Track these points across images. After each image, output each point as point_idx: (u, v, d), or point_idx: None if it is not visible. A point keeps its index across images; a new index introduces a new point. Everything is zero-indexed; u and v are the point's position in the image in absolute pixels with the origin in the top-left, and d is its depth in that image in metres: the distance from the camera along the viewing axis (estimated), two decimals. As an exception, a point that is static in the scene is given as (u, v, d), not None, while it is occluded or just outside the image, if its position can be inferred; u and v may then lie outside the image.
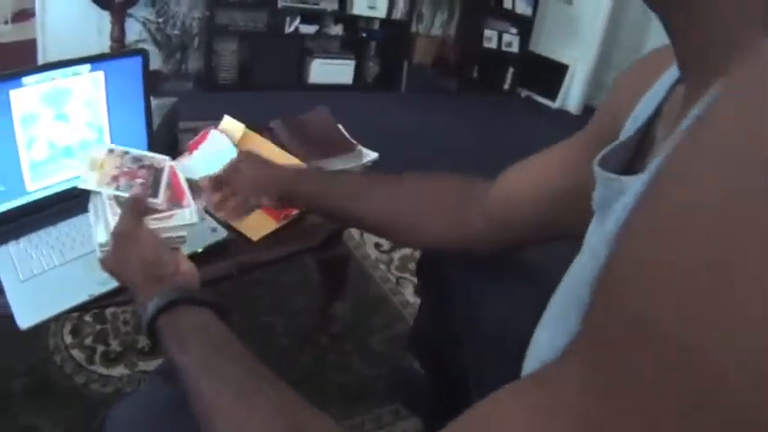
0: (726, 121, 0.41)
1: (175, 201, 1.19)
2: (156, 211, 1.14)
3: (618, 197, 0.70)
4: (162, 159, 1.26)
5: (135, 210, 1.07)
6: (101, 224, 1.13)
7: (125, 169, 1.20)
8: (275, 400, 0.77)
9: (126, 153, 1.25)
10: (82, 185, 1.17)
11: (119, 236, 1.05)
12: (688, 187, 0.42)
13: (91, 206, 1.20)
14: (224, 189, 1.40)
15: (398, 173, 1.32)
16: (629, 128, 0.81)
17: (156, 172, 1.22)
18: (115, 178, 1.17)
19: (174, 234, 1.15)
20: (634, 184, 0.65)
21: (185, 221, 1.16)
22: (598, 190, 0.79)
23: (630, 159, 0.79)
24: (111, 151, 1.25)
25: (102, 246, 1.11)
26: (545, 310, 0.93)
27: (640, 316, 0.42)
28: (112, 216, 1.09)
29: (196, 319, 0.92)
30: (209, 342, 0.88)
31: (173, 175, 1.24)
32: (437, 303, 1.44)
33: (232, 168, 1.40)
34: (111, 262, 1.07)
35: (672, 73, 0.78)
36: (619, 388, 0.43)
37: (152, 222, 1.11)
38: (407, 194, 1.29)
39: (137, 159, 1.24)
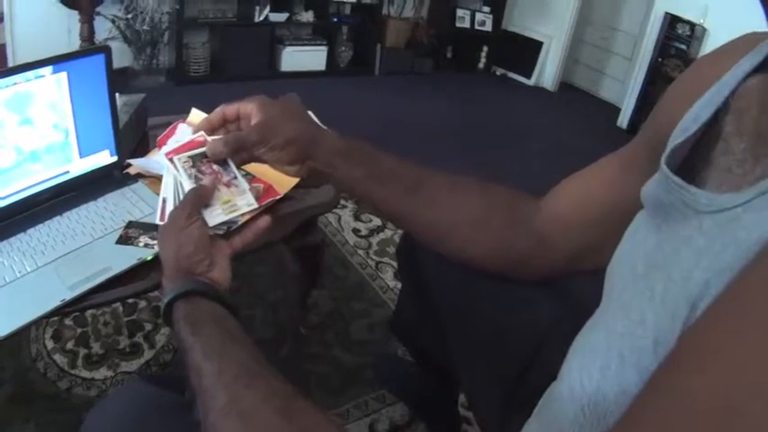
0: None
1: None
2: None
3: (687, 210, 0.69)
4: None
5: (194, 201, 1.05)
6: (171, 200, 1.12)
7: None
8: (274, 385, 0.80)
9: None
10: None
11: (171, 219, 1.06)
12: None
13: (165, 176, 1.16)
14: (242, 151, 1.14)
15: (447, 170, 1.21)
16: (687, 128, 0.77)
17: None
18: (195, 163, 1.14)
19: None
20: (717, 202, 0.65)
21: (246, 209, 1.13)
22: (654, 186, 0.78)
23: (685, 158, 0.77)
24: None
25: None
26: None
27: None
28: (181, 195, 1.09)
29: (212, 310, 0.94)
30: (221, 329, 0.90)
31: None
32: (417, 288, 1.43)
33: (259, 137, 1.10)
34: (160, 236, 1.07)
35: (740, 68, 0.76)
36: None
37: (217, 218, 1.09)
38: (463, 204, 1.18)
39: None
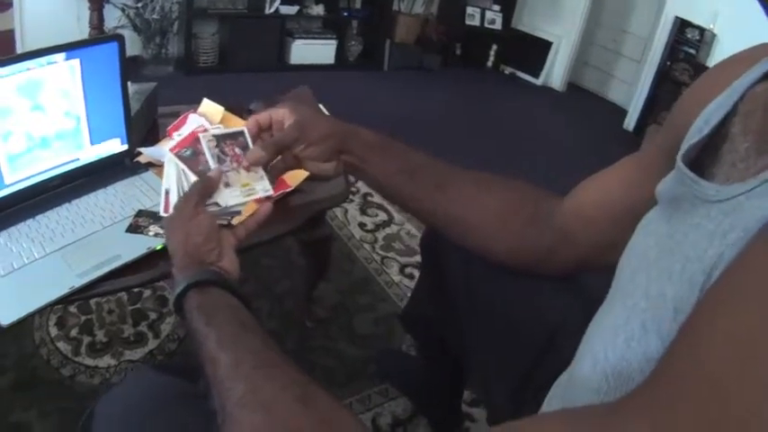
0: None
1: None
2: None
3: (696, 201, 0.74)
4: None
5: (201, 191, 1.06)
6: (174, 191, 1.12)
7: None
8: (292, 374, 0.80)
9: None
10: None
11: (178, 210, 1.06)
12: None
13: (166, 168, 1.17)
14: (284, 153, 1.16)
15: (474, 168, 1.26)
16: (700, 129, 0.82)
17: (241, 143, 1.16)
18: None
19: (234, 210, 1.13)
20: (723, 192, 0.69)
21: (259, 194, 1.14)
22: (669, 182, 0.83)
23: (697, 156, 0.81)
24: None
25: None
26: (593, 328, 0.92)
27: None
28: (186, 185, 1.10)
29: (225, 299, 0.95)
30: (235, 320, 0.91)
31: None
32: (436, 280, 1.44)
33: (295, 134, 1.13)
34: (166, 227, 1.08)
35: (749, 76, 0.80)
36: None
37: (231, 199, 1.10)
38: (490, 200, 1.21)
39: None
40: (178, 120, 1.85)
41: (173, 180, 1.13)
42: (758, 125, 0.74)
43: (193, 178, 1.09)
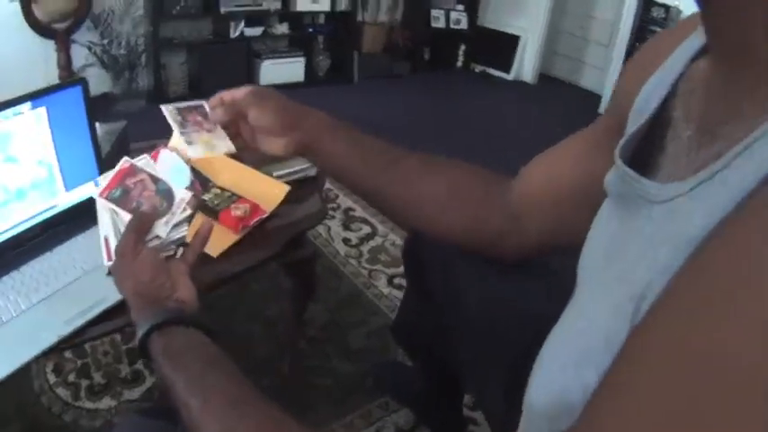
0: None
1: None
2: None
3: (640, 201, 0.68)
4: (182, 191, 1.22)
5: (138, 228, 1.07)
6: (112, 236, 1.14)
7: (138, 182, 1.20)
8: (265, 411, 0.79)
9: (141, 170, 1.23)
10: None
11: (119, 254, 1.06)
12: None
13: (100, 215, 1.18)
14: (233, 124, 1.22)
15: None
16: (642, 109, 0.78)
17: (169, 198, 1.19)
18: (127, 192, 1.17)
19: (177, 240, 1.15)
20: (664, 193, 0.64)
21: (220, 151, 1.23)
22: (613, 176, 0.78)
23: (640, 146, 0.76)
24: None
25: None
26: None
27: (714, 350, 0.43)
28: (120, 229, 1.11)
29: (187, 338, 0.94)
30: (201, 359, 0.90)
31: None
32: (422, 288, 1.44)
33: (250, 99, 1.18)
34: (113, 274, 1.08)
35: (685, 49, 0.75)
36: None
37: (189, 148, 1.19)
38: (438, 180, 1.22)
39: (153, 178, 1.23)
40: (152, 154, 1.85)
41: (108, 225, 1.14)
42: (699, 110, 0.67)
43: (127, 218, 1.10)
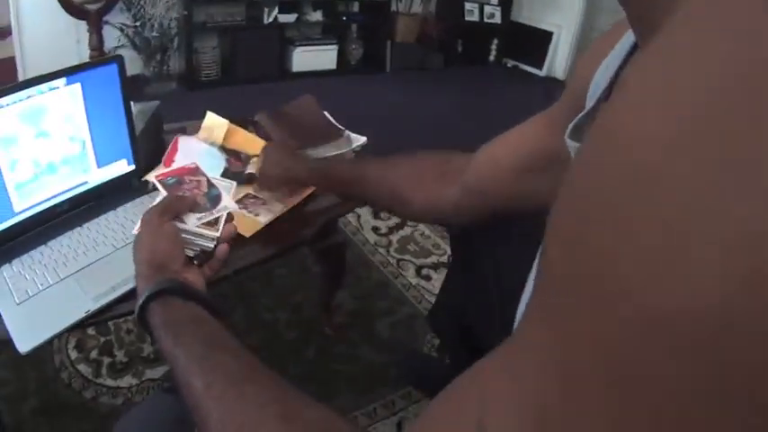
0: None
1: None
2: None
3: None
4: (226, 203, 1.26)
5: (167, 205, 1.09)
6: None
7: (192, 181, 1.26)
8: (269, 389, 0.76)
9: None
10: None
11: (144, 222, 1.07)
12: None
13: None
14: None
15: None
16: (592, 95, 0.82)
17: (215, 203, 1.23)
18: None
19: (202, 242, 1.16)
20: None
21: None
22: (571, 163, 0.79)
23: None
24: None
25: None
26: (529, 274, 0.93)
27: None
28: None
29: (190, 312, 0.92)
30: (203, 334, 0.87)
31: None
32: (468, 273, 1.45)
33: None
34: (133, 246, 1.07)
35: (629, 36, 0.77)
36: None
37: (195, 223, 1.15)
38: (399, 171, 1.37)
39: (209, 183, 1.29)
40: (170, 146, 1.84)
41: None
42: None
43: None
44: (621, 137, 0.37)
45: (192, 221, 1.14)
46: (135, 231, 1.14)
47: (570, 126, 0.80)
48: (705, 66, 0.34)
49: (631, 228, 0.34)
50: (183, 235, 1.11)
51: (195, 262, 1.11)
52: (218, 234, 1.15)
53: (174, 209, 1.10)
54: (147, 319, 0.93)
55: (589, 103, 0.81)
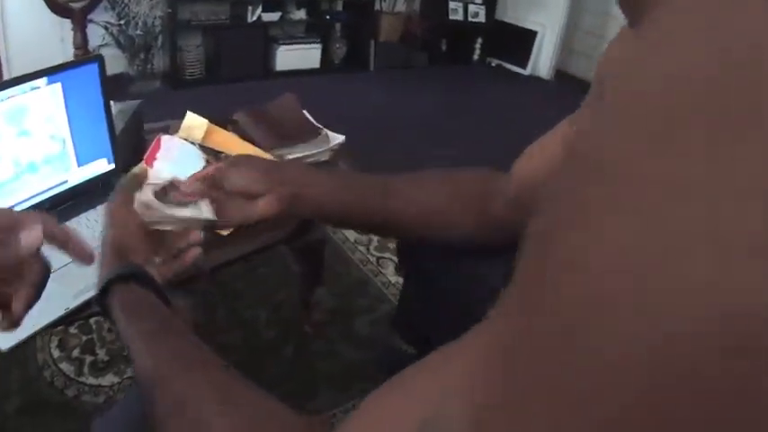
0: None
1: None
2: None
3: None
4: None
5: (130, 188, 1.05)
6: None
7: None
8: (215, 371, 0.78)
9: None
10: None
11: (107, 213, 1.07)
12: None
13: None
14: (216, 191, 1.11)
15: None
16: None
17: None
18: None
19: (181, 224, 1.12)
20: None
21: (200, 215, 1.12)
22: None
23: None
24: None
25: None
26: None
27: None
28: None
29: (145, 296, 0.92)
30: (156, 318, 0.89)
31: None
32: (419, 281, 1.43)
33: (225, 167, 1.11)
34: (102, 238, 1.06)
35: None
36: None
37: (165, 208, 1.08)
38: (436, 191, 1.20)
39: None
40: (152, 145, 1.84)
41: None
42: None
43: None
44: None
45: (147, 193, 1.08)
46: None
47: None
48: (691, 55, 0.33)
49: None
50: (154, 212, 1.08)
51: (202, 234, 1.09)
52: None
53: (131, 189, 1.06)
54: (106, 303, 0.93)
55: None
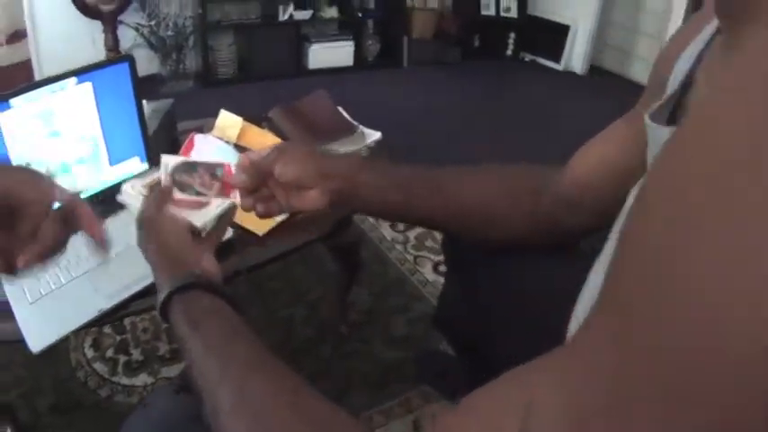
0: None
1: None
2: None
3: None
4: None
5: (159, 198, 1.06)
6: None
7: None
8: (283, 379, 0.78)
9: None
10: None
11: (143, 220, 1.06)
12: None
13: None
14: (262, 185, 1.12)
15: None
16: (674, 81, 0.80)
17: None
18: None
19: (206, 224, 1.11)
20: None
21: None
22: (650, 147, 0.79)
23: (673, 112, 0.78)
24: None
25: None
26: (584, 285, 0.88)
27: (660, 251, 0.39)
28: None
29: (209, 304, 0.92)
30: (221, 325, 0.89)
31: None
32: (462, 278, 1.41)
33: (275, 155, 1.08)
34: (139, 243, 1.07)
35: (714, 23, 0.76)
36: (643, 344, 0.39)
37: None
38: (487, 186, 1.19)
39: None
40: (186, 143, 1.84)
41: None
42: (713, 69, 0.70)
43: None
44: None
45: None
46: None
47: (654, 107, 0.78)
48: None
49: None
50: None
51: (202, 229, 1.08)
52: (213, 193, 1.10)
53: (162, 200, 1.06)
54: (168, 313, 0.93)
55: (674, 86, 0.79)
